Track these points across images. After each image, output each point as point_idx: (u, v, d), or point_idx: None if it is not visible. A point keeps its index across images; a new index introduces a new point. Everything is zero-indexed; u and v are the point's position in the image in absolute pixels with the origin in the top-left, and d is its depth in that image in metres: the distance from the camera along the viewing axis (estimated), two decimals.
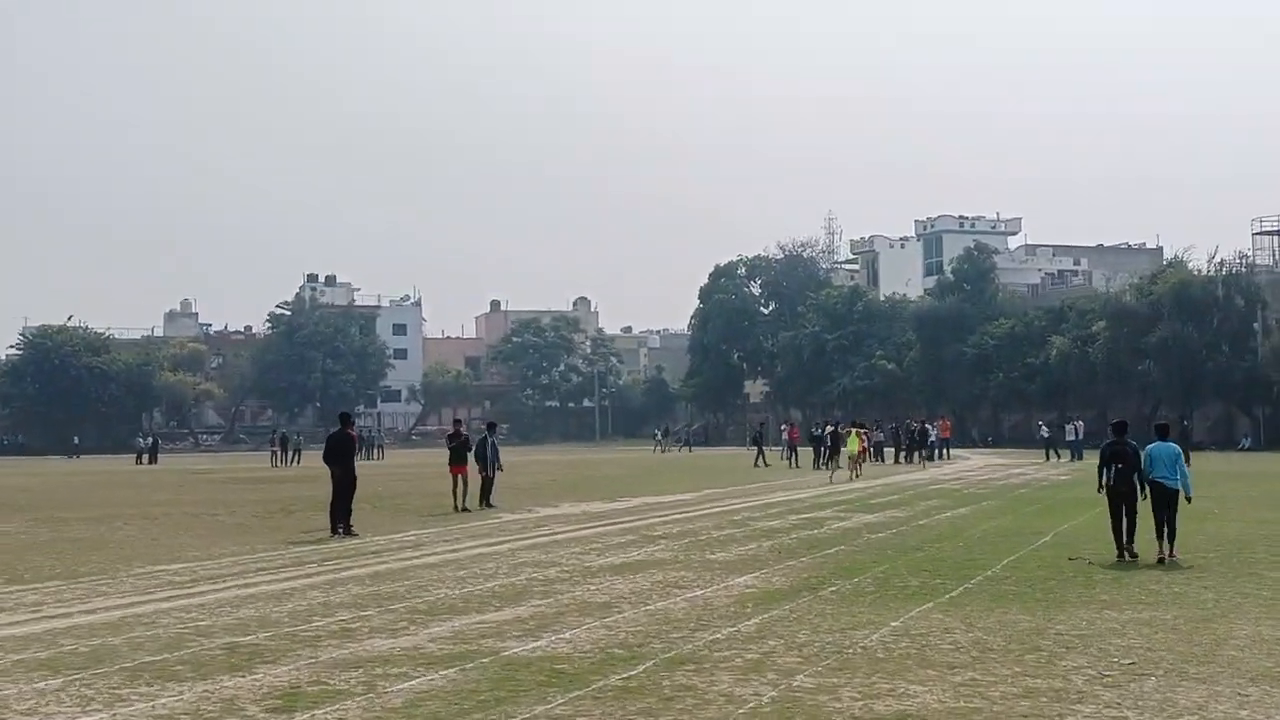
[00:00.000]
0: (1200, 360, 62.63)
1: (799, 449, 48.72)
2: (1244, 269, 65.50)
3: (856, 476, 37.19)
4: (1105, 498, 15.42)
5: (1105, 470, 15.26)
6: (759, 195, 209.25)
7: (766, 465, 46.79)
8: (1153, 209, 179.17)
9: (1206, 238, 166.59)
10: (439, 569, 15.28)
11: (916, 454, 48.63)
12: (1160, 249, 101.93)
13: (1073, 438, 48.89)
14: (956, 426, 61.27)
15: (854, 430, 40.47)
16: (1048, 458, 48.23)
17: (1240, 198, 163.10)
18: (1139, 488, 15.11)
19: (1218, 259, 66.16)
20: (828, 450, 44.08)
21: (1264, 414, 64.05)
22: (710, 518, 22.99)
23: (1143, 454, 15.24)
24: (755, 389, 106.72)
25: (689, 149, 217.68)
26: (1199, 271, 66.21)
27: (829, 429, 46.06)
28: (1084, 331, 69.74)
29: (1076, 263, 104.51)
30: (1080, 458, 47.38)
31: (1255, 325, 63.19)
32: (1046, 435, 49.74)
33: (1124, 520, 15.22)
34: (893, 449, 51.10)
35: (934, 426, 53.88)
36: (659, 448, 77.77)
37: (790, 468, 45.41)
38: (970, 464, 48.35)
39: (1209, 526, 18.13)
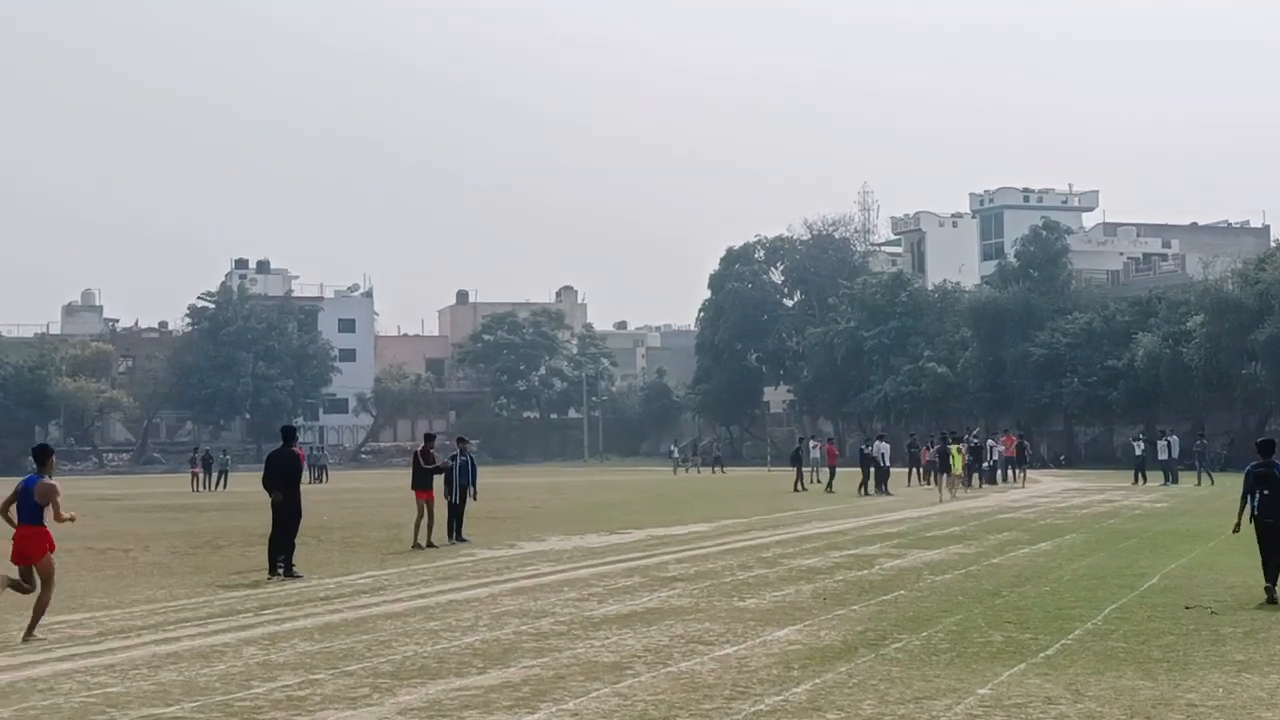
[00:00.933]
0: None
1: (837, 470, 48.56)
2: None
3: (954, 497, 40.63)
4: (1254, 531, 15.77)
5: (1250, 498, 15.64)
6: (781, 164, 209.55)
7: (804, 489, 46.75)
8: (1257, 179, 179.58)
9: None
10: (404, 620, 15.12)
11: (976, 475, 48.39)
12: (1267, 228, 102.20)
13: (1165, 456, 48.62)
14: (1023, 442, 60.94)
15: (956, 445, 43.21)
16: (1137, 480, 47.99)
17: None
18: None
19: None
20: (879, 471, 44.25)
21: None
22: (734, 554, 22.90)
23: None
24: (777, 396, 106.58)
25: (695, 110, 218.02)
26: None
27: (881, 442, 46.25)
28: (1176, 328, 69.66)
29: (1166, 244, 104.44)
30: (1175, 480, 47.18)
31: None
32: (1140, 453, 49.46)
33: (1274, 556, 15.54)
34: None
35: (996, 441, 53.64)
36: (680, 467, 77.28)
37: (827, 492, 45.24)
38: (1041, 487, 48.16)
39: None
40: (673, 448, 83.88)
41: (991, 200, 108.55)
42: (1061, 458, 75.86)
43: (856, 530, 28.44)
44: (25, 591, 14.10)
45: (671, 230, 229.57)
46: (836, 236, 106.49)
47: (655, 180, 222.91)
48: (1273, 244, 77.05)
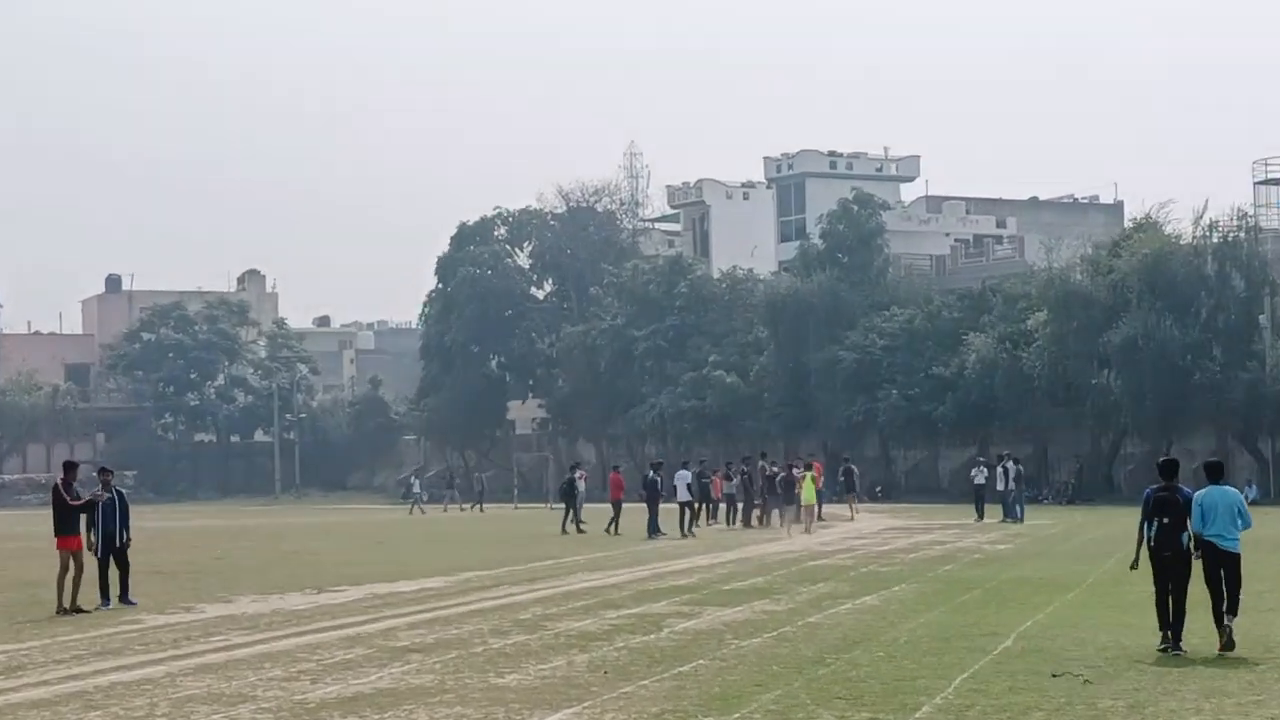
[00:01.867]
0: (1183, 370, 64.36)
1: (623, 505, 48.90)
2: (1244, 234, 67.68)
3: (808, 531, 45.04)
4: (1150, 565, 17.05)
5: (1147, 526, 16.89)
6: (528, 117, 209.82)
7: (578, 531, 47.44)
8: (1108, 146, 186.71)
9: (1189, 188, 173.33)
10: (54, 709, 14.83)
11: (779, 512, 49.04)
12: (1120, 204, 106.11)
13: (1002, 486, 49.87)
14: (830, 469, 61.65)
15: (809, 473, 47.07)
16: (980, 516, 49.28)
17: (1235, 132, 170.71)
18: (1192, 552, 16.70)
19: (1206, 219, 68.36)
20: (662, 506, 45.02)
21: (1275, 449, 66.50)
22: (483, 616, 22.87)
23: (1194, 503, 16.71)
24: (524, 413, 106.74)
25: (412, 53, 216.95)
26: (1179, 238, 68.29)
27: (682, 470, 47.30)
28: (1014, 327, 71.51)
29: (1001, 224, 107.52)
30: (1017, 517, 48.24)
31: (1261, 318, 65.43)
32: (981, 482, 50.79)
33: (1170, 596, 16.74)
34: (742, 505, 51.49)
35: (799, 470, 54.38)
36: (422, 505, 76.15)
37: (610, 534, 45.48)
38: (858, 526, 49.08)
39: (1242, 620, 18.50)
40: (413, 479, 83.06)
41: (790, 167, 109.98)
42: (878, 489, 76.55)
43: (635, 583, 28.59)
44: None
45: (386, 201, 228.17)
46: (599, 210, 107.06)
47: (364, 140, 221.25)
48: (1128, 224, 79.20)
